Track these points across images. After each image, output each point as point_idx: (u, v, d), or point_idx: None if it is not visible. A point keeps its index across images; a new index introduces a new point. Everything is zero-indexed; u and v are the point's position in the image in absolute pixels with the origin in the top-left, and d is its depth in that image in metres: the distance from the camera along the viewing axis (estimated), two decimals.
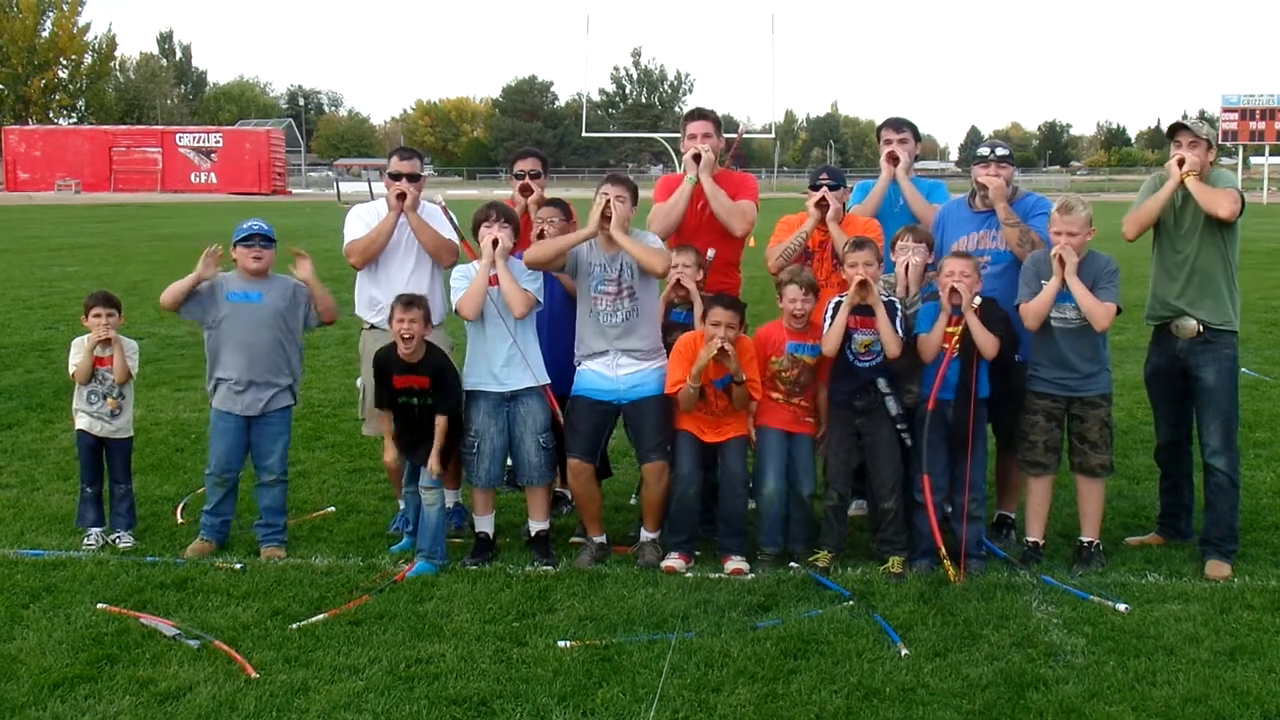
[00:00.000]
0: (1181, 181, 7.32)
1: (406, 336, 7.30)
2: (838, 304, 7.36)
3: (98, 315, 7.85)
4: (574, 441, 7.57)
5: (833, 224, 7.82)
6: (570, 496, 8.59)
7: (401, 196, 7.93)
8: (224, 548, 7.73)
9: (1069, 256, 7.11)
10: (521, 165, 8.55)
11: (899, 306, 7.40)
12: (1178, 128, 7.50)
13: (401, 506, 7.89)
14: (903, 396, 7.38)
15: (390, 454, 7.59)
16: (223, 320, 7.68)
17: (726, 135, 8.62)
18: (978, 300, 7.27)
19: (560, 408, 7.69)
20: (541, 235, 7.88)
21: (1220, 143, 67.82)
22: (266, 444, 7.76)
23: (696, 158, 7.94)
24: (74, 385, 7.97)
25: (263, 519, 7.78)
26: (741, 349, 7.27)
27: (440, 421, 7.42)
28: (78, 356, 7.88)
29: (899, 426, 7.36)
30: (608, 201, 7.38)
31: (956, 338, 7.22)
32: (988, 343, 7.21)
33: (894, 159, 8.24)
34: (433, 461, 7.40)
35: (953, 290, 7.16)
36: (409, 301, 7.35)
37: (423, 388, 7.41)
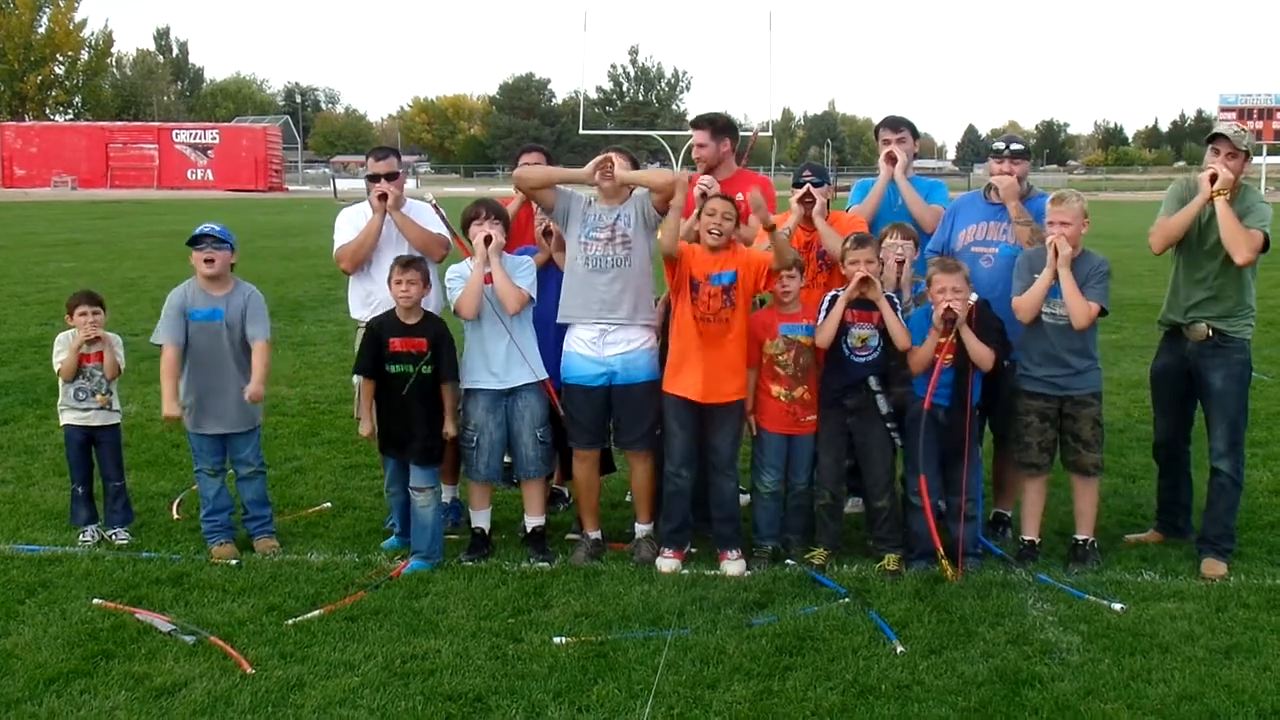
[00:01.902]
0: (1211, 199, 7.20)
1: (404, 298, 7.29)
2: (834, 297, 7.36)
3: (83, 314, 7.85)
4: (576, 434, 7.56)
5: (819, 219, 7.79)
6: (567, 494, 8.60)
7: (383, 197, 7.93)
8: (235, 541, 7.70)
9: (1063, 247, 7.09)
10: (527, 159, 8.56)
11: (898, 301, 7.40)
12: (1217, 136, 7.32)
13: (392, 502, 7.83)
14: (892, 395, 7.36)
15: (366, 428, 7.54)
16: (189, 340, 7.57)
17: (743, 134, 8.61)
18: (974, 297, 7.25)
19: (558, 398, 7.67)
20: (547, 231, 7.89)
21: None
22: (240, 440, 7.73)
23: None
24: (60, 384, 7.97)
25: (248, 513, 7.78)
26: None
27: (448, 392, 7.45)
28: (63, 354, 7.87)
29: (889, 426, 7.35)
30: (609, 156, 7.38)
31: (947, 348, 7.20)
32: (984, 357, 7.20)
33: (892, 159, 8.22)
34: (449, 426, 7.47)
35: (947, 309, 7.12)
36: (407, 263, 7.33)
37: (420, 351, 7.36)
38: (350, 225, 8.07)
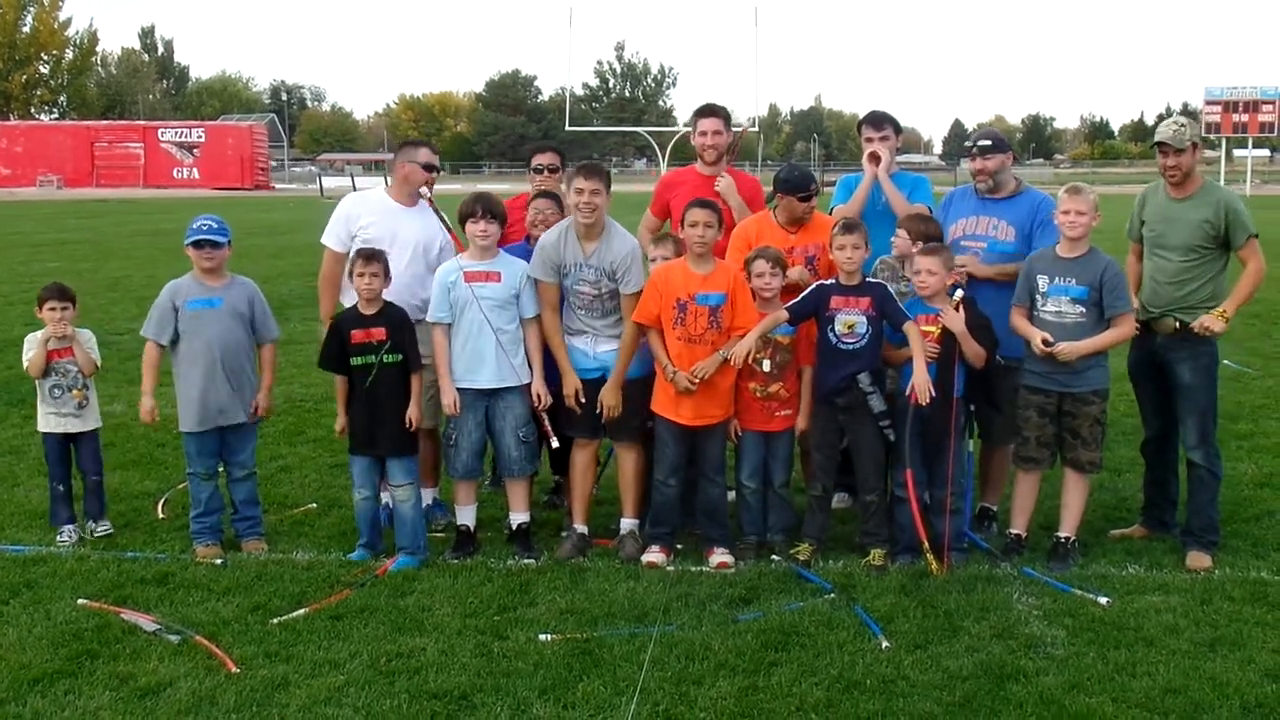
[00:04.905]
0: None
1: (367, 290, 7.32)
2: (820, 287, 7.37)
3: (52, 309, 7.82)
4: (578, 424, 7.59)
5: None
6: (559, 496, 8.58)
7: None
8: (222, 542, 7.69)
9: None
10: (540, 159, 8.61)
11: (890, 290, 7.37)
12: (1161, 144, 7.44)
13: (358, 508, 7.63)
14: (885, 386, 7.35)
15: (339, 423, 7.60)
16: (188, 328, 7.56)
17: (734, 128, 8.64)
18: (959, 294, 7.26)
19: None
20: (535, 225, 7.90)
21: (1203, 135, 68.38)
22: (238, 443, 7.73)
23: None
24: (36, 383, 7.93)
25: (239, 513, 7.76)
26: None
27: (415, 380, 7.45)
28: (31, 351, 7.84)
29: (882, 424, 7.33)
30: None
31: (935, 337, 7.20)
32: (976, 355, 7.21)
33: (875, 159, 8.18)
34: (412, 410, 7.41)
35: (921, 276, 7.19)
36: (370, 255, 7.35)
37: (380, 341, 7.36)
38: (349, 216, 8.05)
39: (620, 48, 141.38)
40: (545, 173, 8.52)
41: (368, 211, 8.03)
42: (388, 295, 7.55)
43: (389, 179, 8.38)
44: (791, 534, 7.59)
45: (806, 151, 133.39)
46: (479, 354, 7.44)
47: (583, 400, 7.49)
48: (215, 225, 7.59)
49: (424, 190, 8.15)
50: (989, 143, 7.80)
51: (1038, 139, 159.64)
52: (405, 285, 7.77)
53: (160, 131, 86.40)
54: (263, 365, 7.89)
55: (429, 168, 8.14)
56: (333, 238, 8.03)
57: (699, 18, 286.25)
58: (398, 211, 8.03)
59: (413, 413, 7.43)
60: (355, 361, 7.40)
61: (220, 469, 7.78)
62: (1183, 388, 7.46)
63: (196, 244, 7.56)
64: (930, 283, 7.25)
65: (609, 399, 7.45)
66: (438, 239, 8.06)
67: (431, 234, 8.05)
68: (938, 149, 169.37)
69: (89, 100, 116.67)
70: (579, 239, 7.44)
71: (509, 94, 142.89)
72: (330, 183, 71.44)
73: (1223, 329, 7.29)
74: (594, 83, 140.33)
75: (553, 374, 7.61)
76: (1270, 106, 64.73)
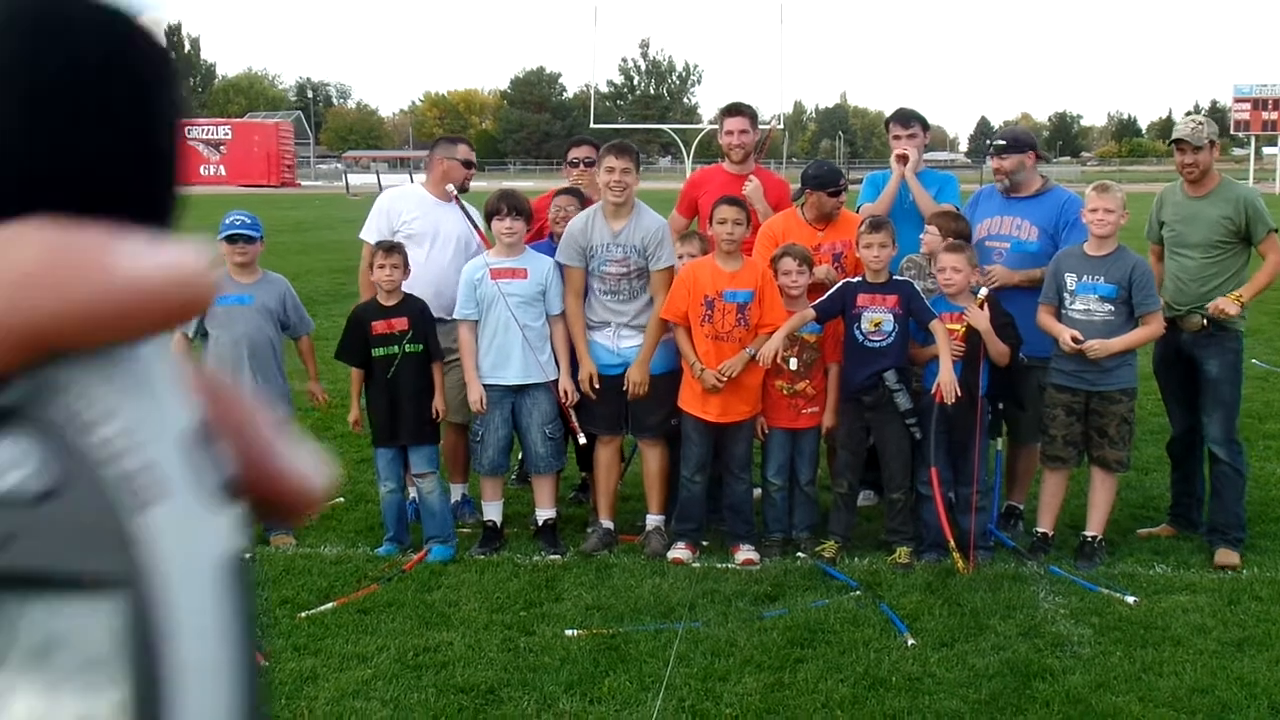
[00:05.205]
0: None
1: (388, 281, 7.35)
2: (846, 284, 7.36)
3: None
4: (600, 420, 7.60)
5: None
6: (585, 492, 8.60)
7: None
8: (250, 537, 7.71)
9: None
10: (576, 153, 8.68)
11: (916, 287, 7.37)
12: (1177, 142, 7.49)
13: (384, 502, 7.66)
14: (911, 384, 7.35)
15: (354, 414, 7.67)
16: (217, 324, 7.59)
17: (761, 126, 8.67)
18: (983, 292, 7.25)
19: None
20: (557, 223, 7.91)
21: (1232, 133, 68.11)
22: None
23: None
24: None
25: None
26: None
27: (438, 369, 7.48)
28: None
29: (908, 421, 7.32)
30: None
31: (960, 335, 7.20)
32: (1001, 353, 7.20)
33: (903, 159, 8.17)
34: (438, 400, 7.45)
35: (947, 273, 7.17)
36: (390, 248, 7.40)
37: (402, 331, 7.39)
38: (389, 211, 8.08)
39: (645, 45, 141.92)
40: (581, 166, 8.54)
41: (409, 207, 8.06)
42: (434, 288, 7.62)
43: (414, 175, 8.46)
44: (817, 531, 7.60)
45: (832, 149, 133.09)
46: (505, 350, 7.46)
47: (596, 386, 7.51)
48: (248, 220, 7.63)
49: (450, 187, 8.17)
50: (1004, 142, 7.81)
51: (1065, 136, 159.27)
52: (449, 280, 7.80)
53: (186, 129, 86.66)
54: (304, 357, 7.96)
55: (467, 164, 8.18)
56: (373, 232, 8.04)
57: (724, 15, 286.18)
58: (439, 206, 8.07)
59: (438, 403, 7.47)
60: (377, 352, 7.44)
61: None
62: (1208, 382, 7.43)
63: (229, 239, 7.60)
64: (955, 280, 7.23)
65: (635, 375, 7.45)
66: (474, 235, 8.10)
67: (468, 229, 8.10)
68: (964, 146, 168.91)
69: None
70: (607, 219, 7.45)
71: (534, 91, 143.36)
72: (356, 180, 71.61)
73: (1237, 312, 7.27)
74: (618, 80, 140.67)
75: (576, 370, 7.63)
76: None
